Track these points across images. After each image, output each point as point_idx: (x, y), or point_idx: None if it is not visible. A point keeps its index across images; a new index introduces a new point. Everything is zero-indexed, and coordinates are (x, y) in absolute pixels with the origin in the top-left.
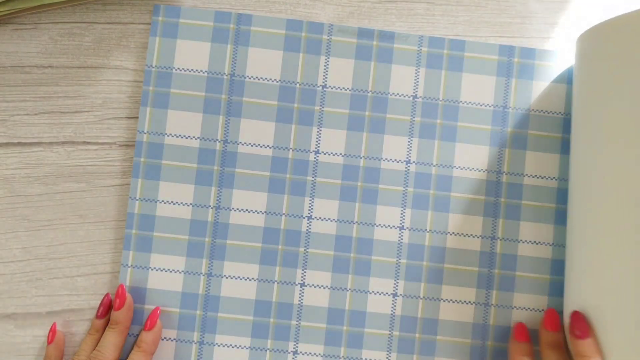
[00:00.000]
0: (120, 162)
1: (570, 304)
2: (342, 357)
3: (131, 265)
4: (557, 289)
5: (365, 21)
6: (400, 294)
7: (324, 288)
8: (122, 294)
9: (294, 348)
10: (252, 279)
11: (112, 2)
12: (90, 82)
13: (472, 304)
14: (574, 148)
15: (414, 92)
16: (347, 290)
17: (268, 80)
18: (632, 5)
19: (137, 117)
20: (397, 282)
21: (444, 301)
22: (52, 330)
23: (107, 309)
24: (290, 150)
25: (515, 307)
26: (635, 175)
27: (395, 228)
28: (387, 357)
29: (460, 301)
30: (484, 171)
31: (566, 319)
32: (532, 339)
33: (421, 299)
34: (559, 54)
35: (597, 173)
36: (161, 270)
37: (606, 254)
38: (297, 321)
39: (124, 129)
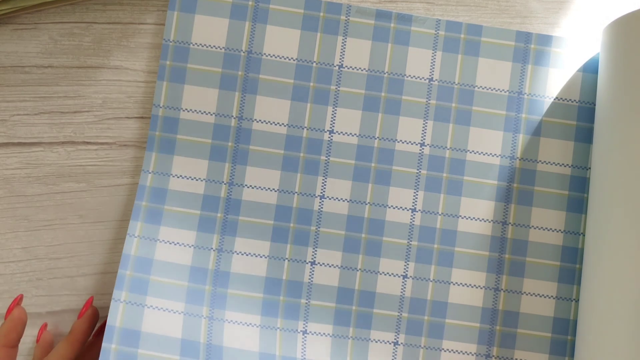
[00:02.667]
0: (121, 162)
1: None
2: (351, 337)
3: (138, 236)
4: (566, 276)
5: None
6: (411, 276)
7: (334, 267)
8: (86, 306)
9: (304, 327)
10: (263, 255)
11: (112, 2)
12: (90, 82)
13: (481, 288)
14: (599, 140)
15: (430, 75)
16: (357, 270)
17: (285, 59)
18: (635, 5)
19: (137, 117)
20: (408, 264)
21: (454, 284)
22: (41, 330)
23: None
24: (305, 129)
25: (524, 292)
26: None
27: (407, 210)
28: (395, 339)
29: (470, 285)
30: (497, 156)
31: None
32: None
33: (431, 281)
34: (576, 42)
35: (623, 165)
36: (170, 243)
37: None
38: (306, 300)
39: (124, 129)
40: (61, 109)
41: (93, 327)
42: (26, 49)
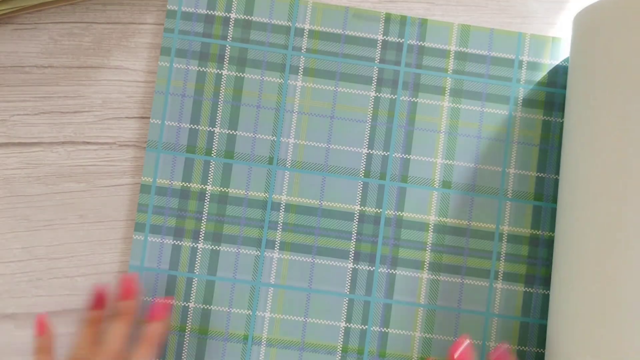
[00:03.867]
0: (121, 162)
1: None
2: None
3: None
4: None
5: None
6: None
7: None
8: (130, 284)
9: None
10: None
11: (112, 2)
12: (90, 82)
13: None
14: (566, 137)
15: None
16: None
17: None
18: None
19: (137, 117)
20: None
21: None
22: (40, 322)
23: (102, 301)
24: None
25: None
26: (633, 161)
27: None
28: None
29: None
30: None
31: None
32: None
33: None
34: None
35: (592, 159)
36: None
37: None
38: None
39: (124, 129)
40: (61, 109)
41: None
42: (26, 49)
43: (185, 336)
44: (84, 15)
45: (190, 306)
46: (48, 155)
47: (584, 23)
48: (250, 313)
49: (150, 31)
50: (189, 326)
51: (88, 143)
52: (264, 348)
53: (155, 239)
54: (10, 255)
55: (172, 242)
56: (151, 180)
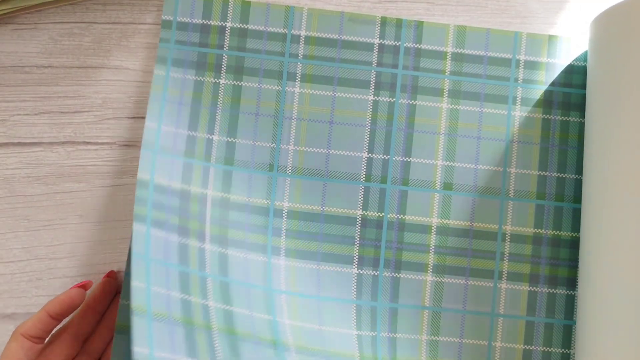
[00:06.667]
0: (121, 162)
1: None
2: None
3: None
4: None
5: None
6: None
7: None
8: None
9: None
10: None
11: (112, 2)
12: (90, 82)
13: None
14: (588, 137)
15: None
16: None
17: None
18: None
19: (137, 117)
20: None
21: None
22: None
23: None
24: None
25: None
26: None
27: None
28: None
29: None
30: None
31: None
32: None
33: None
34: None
35: (615, 167)
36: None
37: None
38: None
39: (124, 129)
40: (61, 109)
41: (110, 295)
42: (26, 49)
43: (214, 335)
44: (84, 15)
45: (210, 305)
46: (48, 155)
47: (604, 26)
48: (272, 318)
49: (150, 31)
50: (215, 325)
51: (88, 143)
52: (294, 355)
53: (160, 233)
54: (10, 255)
55: (178, 241)
56: (149, 185)
